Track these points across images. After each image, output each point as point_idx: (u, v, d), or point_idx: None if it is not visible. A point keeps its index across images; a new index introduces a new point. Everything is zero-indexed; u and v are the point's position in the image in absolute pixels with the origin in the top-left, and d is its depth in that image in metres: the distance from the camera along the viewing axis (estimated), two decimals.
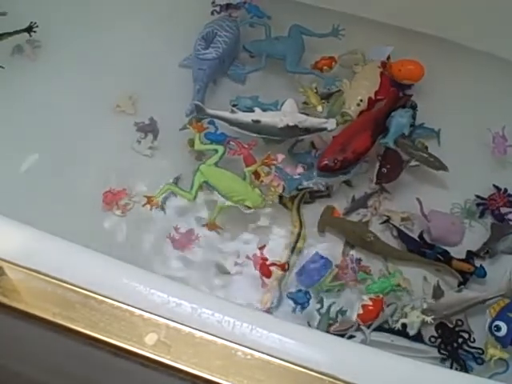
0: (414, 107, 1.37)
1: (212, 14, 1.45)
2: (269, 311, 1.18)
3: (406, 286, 1.20)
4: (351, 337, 1.14)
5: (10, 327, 0.91)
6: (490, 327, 1.13)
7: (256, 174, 1.26)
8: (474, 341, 1.15)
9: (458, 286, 1.21)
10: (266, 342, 0.81)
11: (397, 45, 1.42)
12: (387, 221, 1.28)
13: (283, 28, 1.44)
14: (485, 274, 1.21)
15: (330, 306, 1.17)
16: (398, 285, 1.20)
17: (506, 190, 1.30)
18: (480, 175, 1.34)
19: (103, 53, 1.46)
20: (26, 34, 1.43)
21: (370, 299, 1.16)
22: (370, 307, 1.16)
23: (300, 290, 1.19)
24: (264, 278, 1.20)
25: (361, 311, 1.15)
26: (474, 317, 1.18)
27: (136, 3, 1.53)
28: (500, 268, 1.22)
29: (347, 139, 1.27)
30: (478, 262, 1.23)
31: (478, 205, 1.30)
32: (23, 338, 0.94)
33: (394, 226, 1.27)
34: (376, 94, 1.36)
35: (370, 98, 1.35)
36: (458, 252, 1.24)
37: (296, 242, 1.25)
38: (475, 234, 1.28)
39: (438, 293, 1.19)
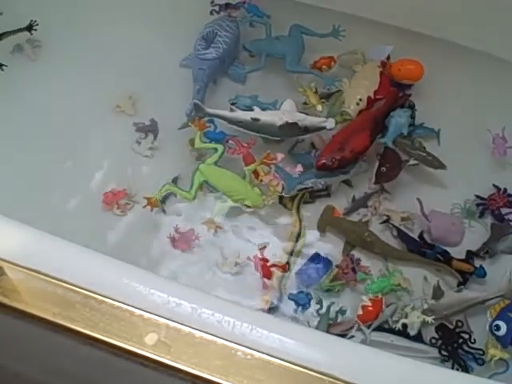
0: (412, 107, 1.37)
1: (211, 13, 1.45)
2: (269, 311, 1.18)
3: (406, 286, 1.20)
4: (351, 337, 1.14)
5: (10, 327, 0.91)
6: (490, 327, 1.13)
7: (255, 174, 1.26)
8: (475, 341, 1.15)
9: (458, 286, 1.21)
10: (266, 342, 0.81)
11: (396, 45, 1.43)
12: (387, 221, 1.28)
13: (283, 28, 1.44)
14: (485, 274, 1.21)
15: (329, 307, 1.18)
16: (398, 285, 1.20)
17: (505, 190, 1.30)
18: (480, 175, 1.34)
19: (103, 53, 1.46)
20: (26, 34, 1.43)
21: (370, 300, 1.16)
22: (370, 308, 1.16)
23: (301, 292, 1.19)
24: (265, 279, 1.20)
25: (360, 312, 1.15)
26: (474, 317, 1.18)
27: (136, 4, 1.53)
28: (500, 268, 1.22)
29: (346, 138, 1.27)
30: (477, 262, 1.23)
31: (478, 205, 1.30)
32: (23, 338, 0.93)
33: (394, 226, 1.27)
34: (375, 93, 1.36)
35: (369, 98, 1.35)
36: (457, 252, 1.24)
37: (296, 242, 1.25)
38: (475, 234, 1.28)
39: (438, 293, 1.19)
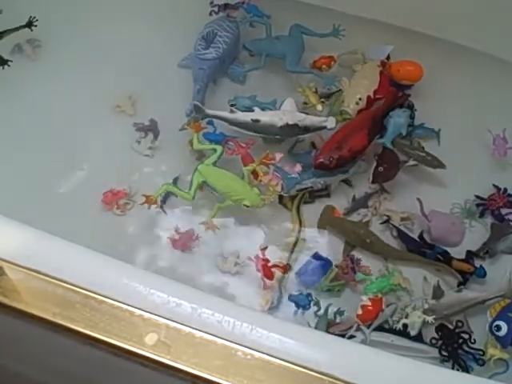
0: (411, 107, 1.37)
1: (210, 14, 1.45)
2: (269, 311, 1.18)
3: (406, 286, 1.20)
4: (351, 337, 1.14)
5: (10, 327, 0.91)
6: (490, 327, 1.13)
7: (254, 174, 1.26)
8: (475, 342, 1.15)
9: (458, 286, 1.21)
10: (266, 342, 0.81)
11: (396, 45, 1.43)
12: (387, 221, 1.28)
13: (283, 27, 1.44)
14: (485, 274, 1.21)
15: (327, 308, 1.17)
16: (398, 285, 1.20)
17: (505, 190, 1.30)
18: (480, 175, 1.34)
19: (103, 53, 1.46)
20: (26, 34, 1.43)
21: (369, 299, 1.16)
22: (369, 307, 1.16)
23: (301, 293, 1.19)
24: (266, 280, 1.20)
25: (360, 312, 1.15)
26: (474, 317, 1.18)
27: (136, 3, 1.53)
28: (500, 268, 1.22)
29: (344, 137, 1.27)
30: (477, 262, 1.23)
31: (478, 205, 1.30)
32: (23, 338, 0.93)
33: (394, 226, 1.27)
34: (375, 92, 1.36)
35: (369, 97, 1.35)
36: (457, 252, 1.24)
37: (296, 241, 1.25)
38: (475, 234, 1.28)
39: (438, 293, 1.19)
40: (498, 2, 1.41)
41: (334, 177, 1.29)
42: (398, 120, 1.31)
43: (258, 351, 0.80)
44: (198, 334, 0.81)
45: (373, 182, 1.29)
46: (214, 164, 1.26)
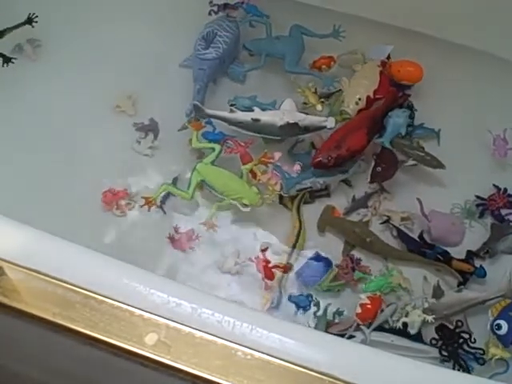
0: (410, 107, 1.37)
1: (209, 14, 1.45)
2: (269, 311, 1.18)
3: (406, 286, 1.20)
4: (351, 337, 1.14)
5: (10, 327, 0.91)
6: (491, 326, 1.13)
7: (253, 174, 1.26)
8: (475, 341, 1.15)
9: (458, 286, 1.21)
10: (266, 342, 0.81)
11: (396, 45, 1.43)
12: (387, 221, 1.28)
13: (283, 28, 1.44)
14: (485, 274, 1.21)
15: (326, 308, 1.17)
16: (398, 285, 1.20)
17: (505, 190, 1.30)
18: (480, 175, 1.34)
19: (103, 53, 1.46)
20: (26, 34, 1.43)
21: (368, 298, 1.16)
22: (368, 306, 1.16)
23: (302, 294, 1.19)
24: (267, 280, 1.20)
25: (359, 310, 1.15)
26: (475, 317, 1.18)
27: (136, 3, 1.53)
28: (500, 268, 1.22)
29: (343, 137, 1.27)
30: (477, 262, 1.23)
31: (478, 205, 1.30)
32: (23, 338, 0.93)
33: (394, 226, 1.27)
34: (375, 92, 1.36)
35: (368, 97, 1.35)
36: (457, 252, 1.24)
37: (296, 242, 1.25)
38: (475, 234, 1.28)
39: (438, 293, 1.19)
40: (497, 2, 1.41)
41: (333, 177, 1.29)
42: (397, 120, 1.31)
43: (258, 351, 0.80)
44: (198, 333, 0.81)
45: (371, 182, 1.29)
46: (213, 163, 1.26)
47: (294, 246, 1.25)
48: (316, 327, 1.16)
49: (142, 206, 1.24)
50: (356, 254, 1.25)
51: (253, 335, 0.82)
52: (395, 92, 1.37)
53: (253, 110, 1.30)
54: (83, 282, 0.84)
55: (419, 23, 1.47)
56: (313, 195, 1.31)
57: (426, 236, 1.26)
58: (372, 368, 0.84)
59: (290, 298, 1.19)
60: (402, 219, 1.27)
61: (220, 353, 0.80)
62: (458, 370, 1.12)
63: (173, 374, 0.79)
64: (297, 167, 1.27)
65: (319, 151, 1.27)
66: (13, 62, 1.40)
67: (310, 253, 1.24)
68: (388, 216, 1.28)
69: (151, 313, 0.82)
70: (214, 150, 1.27)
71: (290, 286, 1.22)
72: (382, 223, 1.28)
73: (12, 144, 1.34)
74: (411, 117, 1.36)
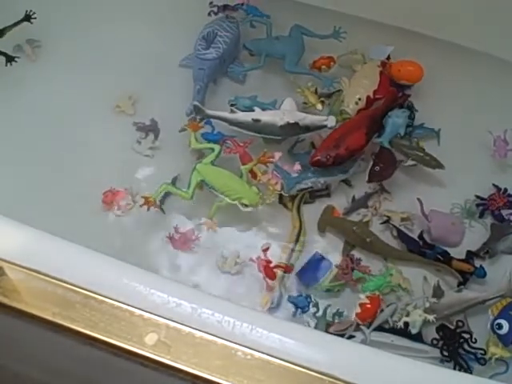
0: (411, 107, 1.37)
1: (209, 14, 1.45)
2: (269, 311, 1.18)
3: (406, 286, 1.20)
4: (351, 337, 1.14)
5: (10, 327, 0.91)
6: (492, 326, 1.13)
7: (253, 174, 1.26)
8: (476, 341, 1.15)
9: (458, 286, 1.21)
10: (266, 342, 0.81)
11: (396, 45, 1.43)
12: (387, 221, 1.28)
13: (283, 28, 1.44)
14: (485, 274, 1.21)
15: (325, 309, 1.17)
16: (398, 285, 1.20)
17: (505, 190, 1.30)
18: (480, 175, 1.34)
19: (103, 53, 1.46)
20: (26, 34, 1.43)
21: (367, 297, 1.16)
22: (368, 305, 1.16)
23: (301, 295, 1.19)
24: (268, 280, 1.20)
25: (359, 310, 1.15)
26: (475, 317, 1.18)
27: (136, 3, 1.53)
28: (500, 268, 1.22)
29: (342, 136, 1.27)
30: (477, 262, 1.23)
31: (478, 205, 1.30)
32: (23, 338, 0.93)
33: (394, 226, 1.27)
34: (375, 92, 1.36)
35: (368, 97, 1.35)
36: (457, 252, 1.24)
37: (296, 242, 1.25)
38: (475, 234, 1.28)
39: (438, 293, 1.19)
40: (497, 2, 1.41)
41: (334, 177, 1.29)
42: (396, 120, 1.31)
43: (258, 351, 0.80)
44: (198, 334, 0.81)
45: (369, 181, 1.29)
46: (212, 163, 1.26)
47: (294, 246, 1.25)
48: (316, 327, 1.16)
49: (141, 206, 1.24)
50: (356, 254, 1.25)
51: (253, 335, 0.82)
52: (395, 92, 1.37)
53: (253, 110, 1.30)
54: (83, 281, 0.84)
55: (419, 23, 1.48)
56: (313, 195, 1.31)
57: (426, 236, 1.26)
58: (372, 368, 0.84)
59: (288, 299, 1.19)
60: (402, 219, 1.27)
61: (220, 353, 0.80)
62: (459, 371, 1.12)
63: (173, 374, 0.79)
64: (297, 167, 1.27)
65: (318, 150, 1.28)
66: (16, 61, 1.40)
67: (310, 253, 1.24)
68: (388, 216, 1.28)
69: (151, 313, 0.82)
70: (213, 150, 1.27)
71: (290, 286, 1.22)
72: (382, 223, 1.28)
73: (12, 144, 1.34)
74: (411, 117, 1.36)
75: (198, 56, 1.39)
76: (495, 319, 1.14)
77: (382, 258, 1.25)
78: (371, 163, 1.29)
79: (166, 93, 1.41)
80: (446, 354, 1.14)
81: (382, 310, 1.17)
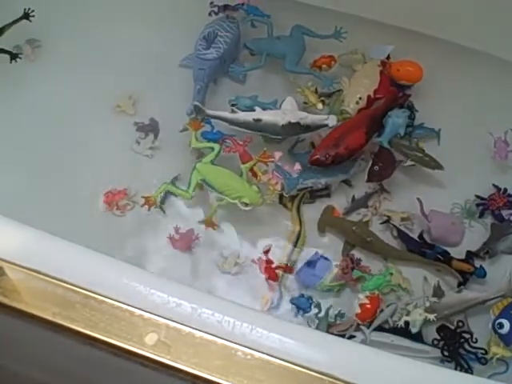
0: (411, 108, 1.37)
1: (210, 14, 1.45)
2: (269, 311, 1.18)
3: (406, 286, 1.20)
4: (351, 337, 1.14)
5: (10, 327, 0.91)
6: (493, 325, 1.13)
7: (253, 173, 1.26)
8: (476, 341, 1.14)
9: (458, 286, 1.21)
10: (266, 342, 0.81)
11: (396, 45, 1.43)
12: (387, 221, 1.28)
13: (283, 28, 1.44)
14: (485, 274, 1.21)
15: (327, 310, 1.17)
16: (398, 285, 1.20)
17: (505, 190, 1.30)
18: (480, 175, 1.34)
19: (103, 53, 1.46)
20: (26, 34, 1.43)
21: (367, 297, 1.16)
22: (368, 305, 1.16)
23: (302, 296, 1.19)
24: (270, 281, 1.19)
25: (358, 310, 1.15)
26: (476, 317, 1.18)
27: (136, 3, 1.53)
28: (500, 268, 1.22)
29: (341, 135, 1.27)
30: (477, 262, 1.23)
31: (478, 205, 1.30)
32: (23, 338, 0.93)
33: (394, 226, 1.27)
34: (375, 92, 1.36)
35: (369, 97, 1.35)
36: (457, 252, 1.24)
37: (296, 242, 1.25)
38: (475, 234, 1.28)
39: (438, 293, 1.19)
40: (497, 2, 1.41)
41: (334, 177, 1.29)
42: (396, 120, 1.31)
43: (258, 351, 0.80)
44: (198, 334, 0.81)
45: (368, 181, 1.29)
46: (212, 162, 1.26)
47: (294, 246, 1.25)
48: (317, 328, 1.16)
49: (142, 206, 1.24)
50: (356, 254, 1.25)
51: (253, 335, 0.82)
52: (395, 92, 1.37)
53: (254, 110, 1.30)
54: (83, 281, 0.84)
55: (419, 23, 1.47)
56: (313, 195, 1.31)
57: (426, 236, 1.26)
58: (372, 368, 0.84)
59: (290, 300, 1.19)
60: (402, 219, 1.27)
61: (220, 353, 0.80)
62: (460, 371, 1.12)
63: (173, 374, 0.79)
64: (297, 167, 1.27)
65: (317, 149, 1.28)
66: (20, 58, 1.40)
67: (309, 253, 1.24)
68: (388, 216, 1.28)
69: (151, 313, 0.82)
70: (213, 149, 1.27)
71: (290, 286, 1.22)
72: (382, 223, 1.28)
73: (12, 144, 1.34)
74: (411, 117, 1.36)
75: (198, 56, 1.39)
76: (496, 319, 1.13)
77: (382, 258, 1.25)
78: (370, 162, 1.29)
79: (166, 93, 1.41)
80: (446, 354, 1.14)
81: (381, 310, 1.17)
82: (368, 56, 1.43)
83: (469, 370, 1.12)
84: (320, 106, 1.36)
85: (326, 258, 1.23)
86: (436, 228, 1.25)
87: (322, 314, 1.17)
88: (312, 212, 1.29)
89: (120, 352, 0.81)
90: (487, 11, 1.42)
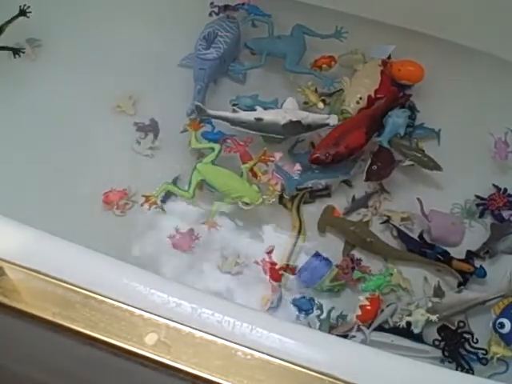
0: (412, 108, 1.37)
1: (210, 15, 1.45)
2: (269, 311, 1.18)
3: (406, 286, 1.20)
4: (351, 337, 1.14)
5: (10, 327, 0.91)
6: (494, 325, 1.13)
7: (253, 174, 1.26)
8: (477, 341, 1.14)
9: (458, 286, 1.21)
10: (266, 342, 0.81)
11: (397, 45, 1.43)
12: (387, 221, 1.28)
13: (284, 28, 1.44)
14: (485, 274, 1.21)
15: (329, 311, 1.17)
16: (398, 285, 1.20)
17: (505, 190, 1.30)
18: (480, 175, 1.34)
19: (103, 53, 1.46)
20: (25, 34, 1.43)
21: (367, 299, 1.16)
22: (368, 307, 1.16)
23: (304, 297, 1.19)
24: (273, 282, 1.19)
25: (359, 312, 1.15)
26: (477, 316, 1.18)
27: (136, 3, 1.53)
28: (500, 268, 1.22)
29: (342, 134, 1.27)
30: (477, 262, 1.23)
31: (478, 205, 1.30)
32: (23, 338, 0.93)
33: (394, 226, 1.27)
34: (376, 92, 1.36)
35: (369, 96, 1.35)
36: (458, 252, 1.24)
37: (296, 242, 1.25)
38: (475, 234, 1.28)
39: (438, 293, 1.19)
40: (497, 2, 1.41)
41: (335, 178, 1.29)
42: (396, 120, 1.31)
43: (258, 351, 0.80)
44: (198, 333, 0.81)
45: (366, 180, 1.29)
46: (213, 162, 1.26)
47: (293, 246, 1.25)
48: (319, 329, 1.15)
49: (142, 205, 1.24)
50: (356, 254, 1.25)
51: (253, 335, 0.82)
52: (396, 91, 1.37)
53: (255, 110, 1.30)
54: (83, 281, 0.84)
55: (419, 23, 1.47)
56: (313, 195, 1.31)
57: (426, 236, 1.26)
58: (372, 368, 0.84)
59: (292, 302, 1.18)
60: (402, 219, 1.27)
61: (220, 353, 0.80)
62: (461, 371, 1.11)
63: (173, 374, 0.79)
64: (297, 168, 1.27)
65: (317, 147, 1.28)
66: (23, 52, 1.40)
67: (309, 253, 1.24)
68: (388, 216, 1.28)
69: (151, 313, 0.82)
70: (213, 149, 1.27)
71: (290, 286, 1.22)
72: (382, 223, 1.28)
73: (12, 144, 1.34)
74: (411, 117, 1.36)
75: (198, 56, 1.39)
76: (497, 318, 1.13)
77: (382, 258, 1.25)
78: (369, 162, 1.29)
79: (166, 93, 1.41)
80: (447, 354, 1.13)
81: (382, 311, 1.17)
82: (368, 56, 1.43)
83: (470, 371, 1.12)
84: (321, 105, 1.36)
85: (326, 258, 1.23)
86: (436, 228, 1.25)
87: (323, 316, 1.17)
88: (312, 212, 1.29)
89: (120, 352, 0.81)
90: (487, 11, 1.42)
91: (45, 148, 1.34)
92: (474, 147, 1.37)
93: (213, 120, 1.31)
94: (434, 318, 1.14)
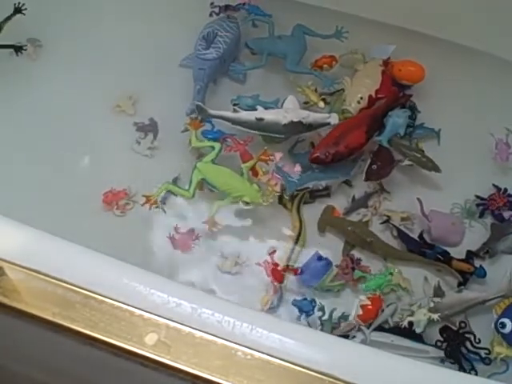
0: (412, 108, 1.37)
1: (210, 15, 1.45)
2: (269, 311, 1.18)
3: (406, 286, 1.20)
4: (352, 337, 1.14)
5: (10, 327, 0.91)
6: (495, 325, 1.13)
7: (254, 172, 1.26)
8: (480, 341, 1.14)
9: (458, 286, 1.21)
10: (266, 342, 0.81)
11: (397, 45, 1.42)
12: (387, 221, 1.28)
13: (284, 28, 1.44)
14: (485, 274, 1.21)
15: (331, 312, 1.17)
16: (398, 285, 1.20)
17: (505, 190, 1.30)
18: (480, 175, 1.34)
19: (103, 53, 1.46)
20: (26, 34, 1.43)
21: (368, 298, 1.16)
22: (369, 307, 1.16)
23: (305, 298, 1.19)
24: (276, 283, 1.19)
25: (360, 312, 1.15)
26: (479, 316, 1.18)
27: (136, 3, 1.53)
28: (500, 268, 1.22)
29: (342, 134, 1.28)
30: (477, 262, 1.23)
31: (478, 205, 1.30)
32: (23, 338, 0.93)
33: (394, 226, 1.27)
34: (377, 92, 1.36)
35: (370, 96, 1.35)
36: (458, 252, 1.24)
37: (296, 242, 1.25)
38: (475, 234, 1.28)
39: (438, 293, 1.19)
40: (497, 2, 1.41)
41: (335, 179, 1.29)
42: (396, 120, 1.31)
43: (258, 351, 0.80)
44: (198, 333, 0.81)
45: (365, 180, 1.29)
46: (213, 161, 1.26)
47: (293, 246, 1.25)
48: (321, 330, 1.15)
49: (142, 205, 1.24)
50: (356, 254, 1.25)
51: (253, 335, 0.82)
52: (397, 91, 1.37)
53: (256, 109, 1.30)
54: (83, 281, 0.84)
55: (419, 23, 1.47)
56: (313, 195, 1.31)
57: (426, 236, 1.26)
58: (372, 368, 0.84)
59: (293, 303, 1.18)
60: (402, 219, 1.27)
61: (220, 353, 0.80)
62: (464, 372, 1.11)
63: (173, 373, 0.79)
64: (297, 168, 1.27)
65: (318, 147, 1.28)
66: (25, 50, 1.40)
67: (310, 253, 1.24)
68: (388, 216, 1.28)
69: (151, 313, 0.82)
70: (213, 148, 1.27)
71: (290, 286, 1.22)
72: (382, 223, 1.28)
73: (12, 144, 1.34)
74: (412, 117, 1.36)
75: (198, 56, 1.39)
76: (499, 318, 1.13)
77: (382, 258, 1.25)
78: (368, 161, 1.29)
79: (166, 93, 1.41)
80: (450, 355, 1.13)
81: (382, 310, 1.17)
82: (368, 56, 1.43)
83: (472, 371, 1.12)
84: (321, 104, 1.36)
85: (326, 258, 1.22)
86: (436, 228, 1.25)
87: (325, 317, 1.16)
88: (312, 212, 1.29)
89: (120, 352, 0.81)
90: (487, 11, 1.42)
91: (45, 148, 1.34)
92: (474, 147, 1.37)
93: (213, 119, 1.31)
94: (435, 316, 1.14)
